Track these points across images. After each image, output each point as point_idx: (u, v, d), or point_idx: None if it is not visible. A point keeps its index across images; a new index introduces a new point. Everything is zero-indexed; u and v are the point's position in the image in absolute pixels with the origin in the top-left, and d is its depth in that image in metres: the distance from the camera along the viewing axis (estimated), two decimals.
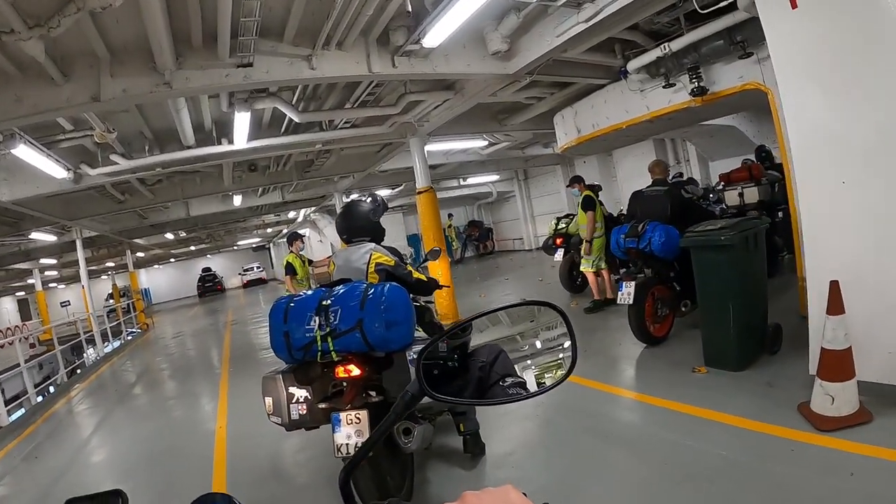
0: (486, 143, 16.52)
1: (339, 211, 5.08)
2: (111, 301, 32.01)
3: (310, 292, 4.14)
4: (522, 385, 1.29)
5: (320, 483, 5.14)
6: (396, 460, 4.17)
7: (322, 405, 4.02)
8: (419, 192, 11.97)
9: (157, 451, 6.78)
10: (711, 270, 6.07)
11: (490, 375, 1.30)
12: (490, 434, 5.30)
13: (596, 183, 12.77)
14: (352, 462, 1.20)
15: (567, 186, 10.94)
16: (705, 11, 6.92)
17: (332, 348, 3.80)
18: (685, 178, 12.92)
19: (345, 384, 4.00)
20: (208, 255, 52.40)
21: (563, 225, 12.00)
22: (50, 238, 17.73)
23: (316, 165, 15.32)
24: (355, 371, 3.89)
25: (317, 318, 3.84)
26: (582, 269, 10.50)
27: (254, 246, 52.34)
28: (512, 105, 12.70)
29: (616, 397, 6.14)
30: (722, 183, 11.04)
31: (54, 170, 9.13)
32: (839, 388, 4.38)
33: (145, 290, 46.18)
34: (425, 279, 5.03)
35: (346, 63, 7.09)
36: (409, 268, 4.89)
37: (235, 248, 50.72)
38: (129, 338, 20.96)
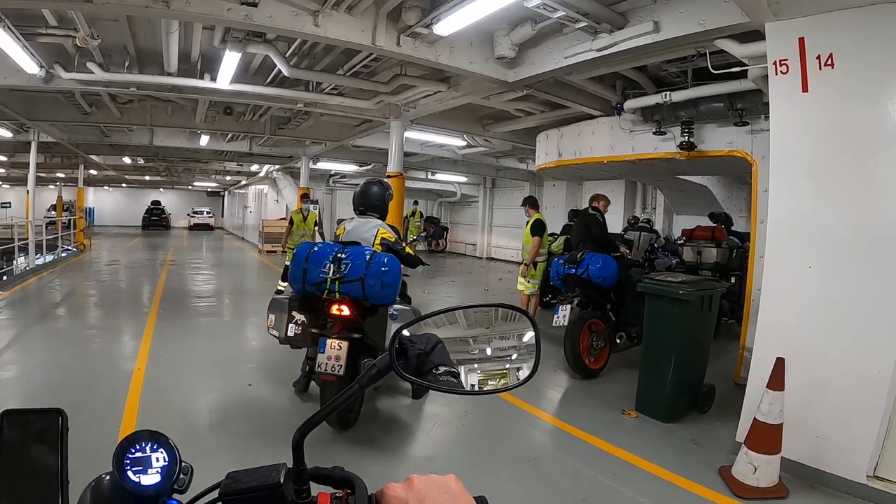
0: (464, 143, 16.45)
1: (359, 187, 6.22)
2: (53, 213, 30.70)
3: (320, 245, 5.43)
4: (454, 375, 1.26)
5: (229, 447, 5.00)
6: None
7: (314, 330, 5.34)
8: (388, 177, 11.79)
9: (67, 381, 6.47)
10: (663, 321, 6.10)
11: (425, 363, 1.23)
12: (412, 436, 5.45)
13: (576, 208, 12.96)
14: (308, 423, 1.16)
15: (522, 206, 11.10)
16: (717, 72, 7.00)
17: (337, 290, 5.12)
18: (651, 225, 13.04)
19: (334, 320, 5.24)
20: (161, 189, 51.18)
21: (548, 242, 11.87)
22: (6, 134, 16.73)
23: (292, 125, 15.09)
24: (346, 311, 5.17)
25: (331, 266, 5.14)
26: (519, 288, 10.67)
27: (209, 190, 51.36)
28: (499, 112, 12.69)
29: (544, 423, 6.12)
30: (683, 237, 11.18)
31: (27, 63, 8.67)
32: (764, 459, 4.48)
33: (90, 209, 44.69)
34: (414, 255, 6.18)
35: (351, 29, 6.91)
36: (404, 244, 6.07)
37: (190, 188, 49.70)
38: (63, 255, 20.12)
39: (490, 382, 1.33)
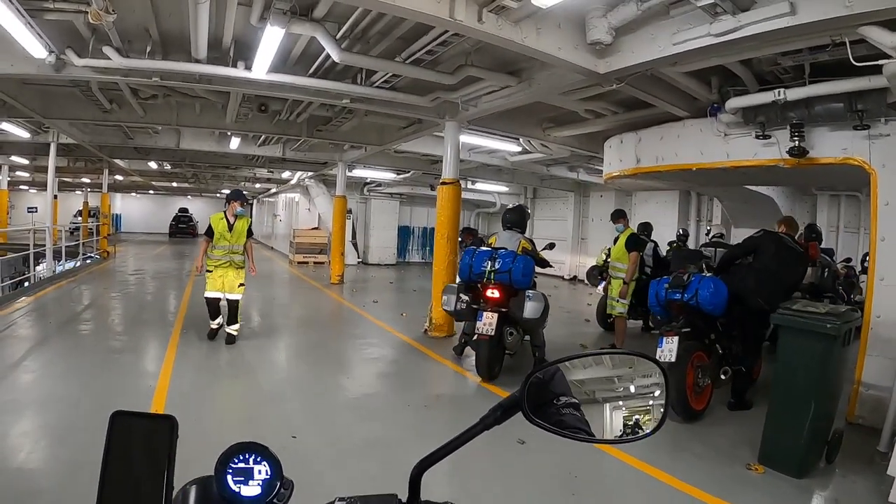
0: (519, 149, 15.27)
1: (509, 207, 9.22)
2: (79, 219, 30.45)
3: (480, 250, 8.12)
4: (576, 407, 1.21)
5: None
6: (500, 348, 7.80)
7: (474, 306, 7.87)
8: (443, 184, 10.82)
9: (69, 424, 5.44)
10: (802, 359, 5.16)
11: (545, 392, 1.20)
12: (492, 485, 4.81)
13: (648, 221, 12.23)
14: (429, 459, 1.22)
15: (613, 221, 10.54)
16: (860, 65, 5.92)
17: (492, 278, 7.71)
18: (723, 239, 12.25)
19: (487, 300, 7.77)
20: (189, 196, 50.99)
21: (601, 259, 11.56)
22: (23, 134, 15.80)
23: (332, 126, 13.99)
24: (496, 294, 7.72)
25: (489, 262, 7.78)
26: (615, 312, 10.06)
27: None
28: (564, 114, 11.58)
29: (654, 480, 5.09)
30: None
31: (33, 46, 7.59)
32: None
33: (117, 215, 45.33)
34: (544, 259, 8.55)
35: None
36: (538, 251, 8.51)
37: (218, 195, 48.49)
38: (88, 262, 19.58)
39: (610, 428, 1.27)
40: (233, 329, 9.28)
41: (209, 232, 9.26)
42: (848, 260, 11.74)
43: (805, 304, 5.70)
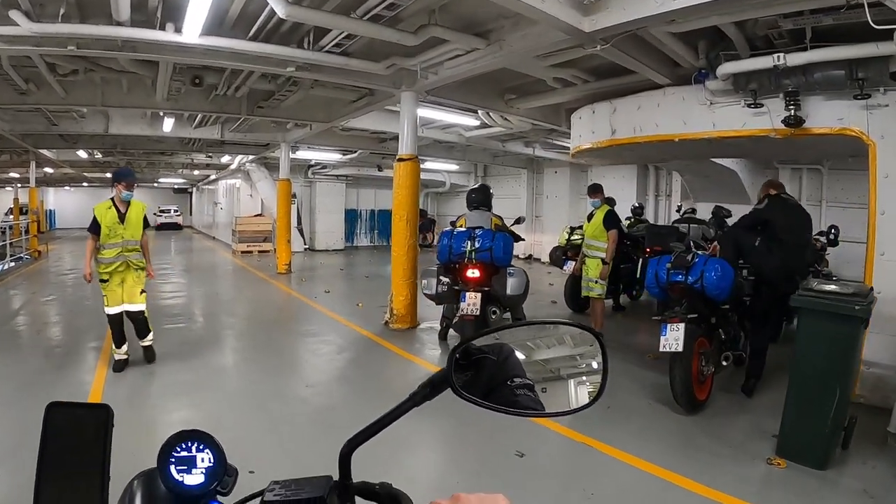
0: (477, 123, 14.55)
1: (473, 187, 10.04)
2: (11, 217, 28.97)
3: (458, 231, 8.49)
4: (530, 388, 1.20)
5: None
6: (485, 325, 7.57)
7: (455, 287, 8.12)
8: (400, 160, 10.11)
9: None
10: (825, 344, 4.92)
11: (498, 374, 1.19)
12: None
13: (611, 196, 11.36)
14: (358, 437, 1.19)
15: (589, 196, 9.85)
16: (880, 28, 5.45)
17: (473, 257, 8.00)
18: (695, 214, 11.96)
19: (468, 280, 8.02)
20: None
21: (578, 236, 10.91)
22: None
23: (274, 101, 12.91)
24: (477, 273, 8.00)
25: (469, 242, 8.07)
26: (593, 294, 9.48)
27: (175, 187, 48.88)
28: (529, 84, 10.85)
29: (691, 494, 4.53)
30: None
31: None
32: None
33: (51, 211, 44.29)
34: (515, 233, 8.86)
35: None
36: (509, 226, 8.97)
37: (155, 185, 46.54)
38: (16, 263, 18.38)
39: (555, 401, 1.28)
40: (147, 340, 7.64)
41: (94, 227, 7.29)
42: (821, 233, 11.45)
43: (820, 283, 5.40)
